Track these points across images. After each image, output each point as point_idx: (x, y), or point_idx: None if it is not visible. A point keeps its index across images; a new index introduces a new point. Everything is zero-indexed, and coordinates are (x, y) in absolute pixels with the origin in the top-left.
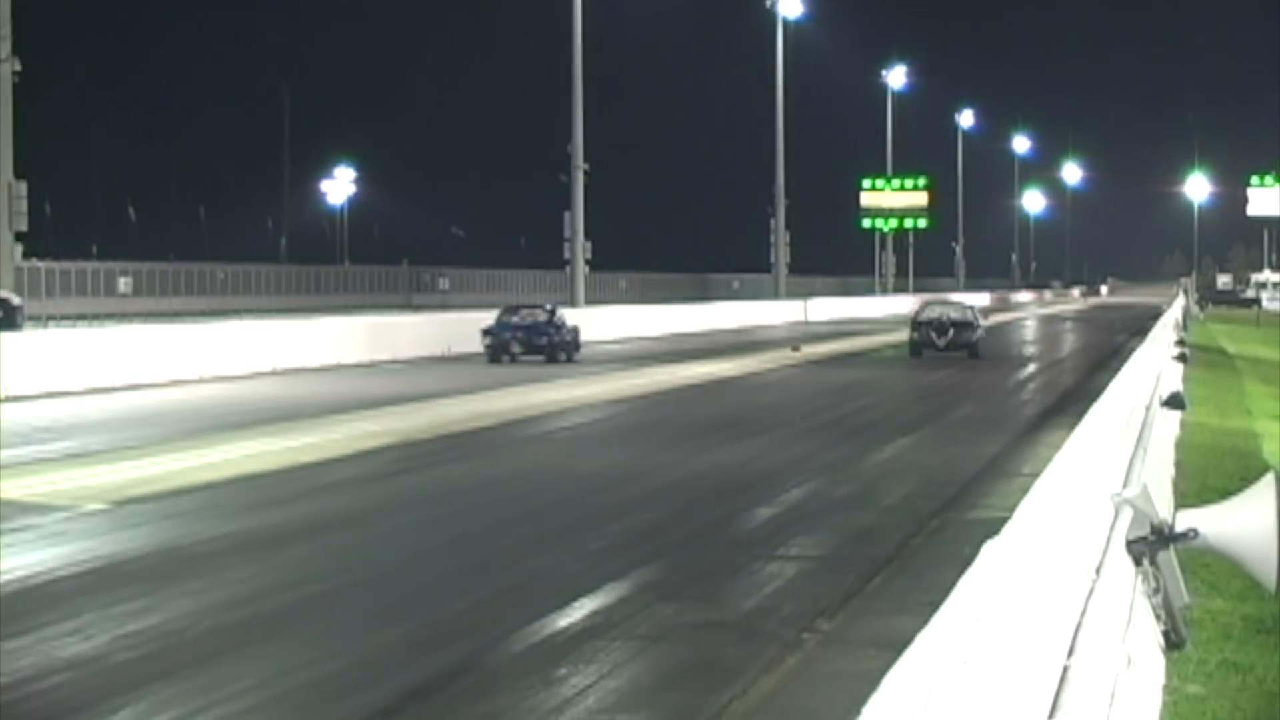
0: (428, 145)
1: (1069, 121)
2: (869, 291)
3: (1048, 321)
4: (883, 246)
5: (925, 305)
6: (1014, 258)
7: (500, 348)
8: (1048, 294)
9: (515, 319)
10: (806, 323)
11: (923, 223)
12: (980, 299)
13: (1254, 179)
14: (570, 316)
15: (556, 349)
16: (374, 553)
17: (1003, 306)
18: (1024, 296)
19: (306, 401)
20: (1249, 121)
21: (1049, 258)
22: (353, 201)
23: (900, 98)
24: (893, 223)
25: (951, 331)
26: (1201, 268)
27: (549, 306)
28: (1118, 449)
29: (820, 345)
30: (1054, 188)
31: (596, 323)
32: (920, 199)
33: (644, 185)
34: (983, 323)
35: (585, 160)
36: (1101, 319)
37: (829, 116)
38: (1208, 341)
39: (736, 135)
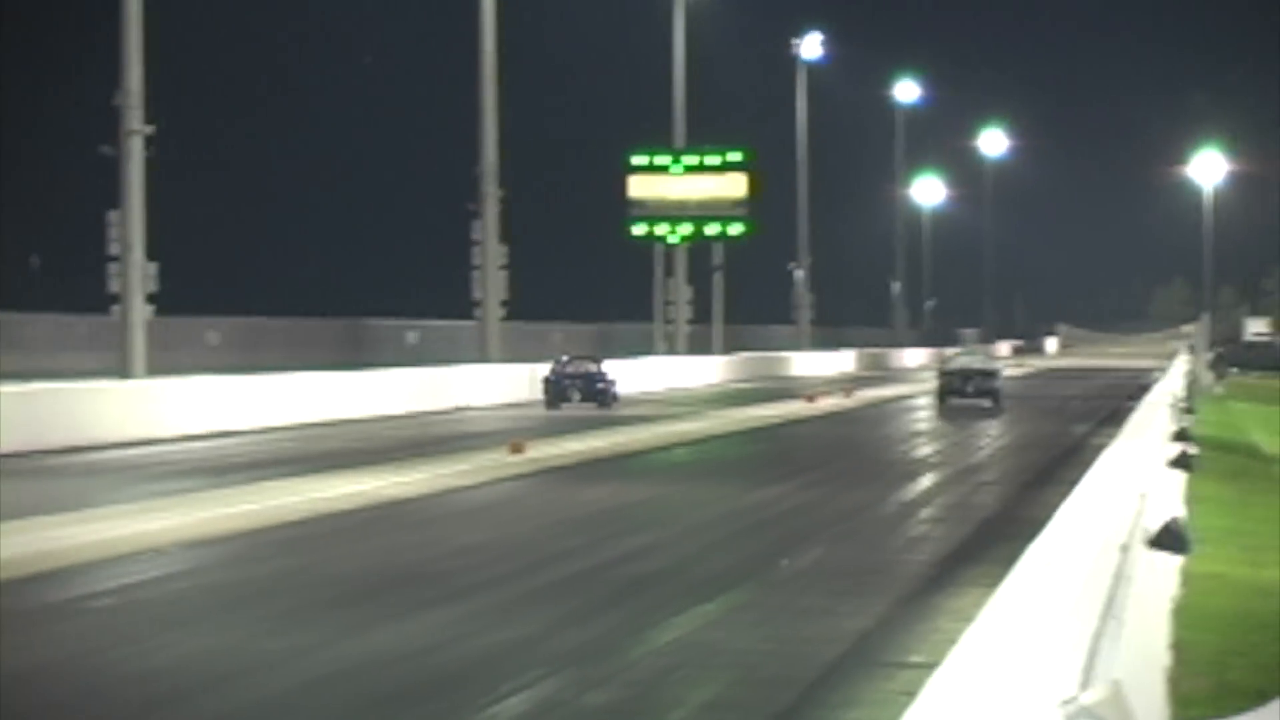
0: None
1: (994, 67)
2: (646, 348)
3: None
4: (669, 270)
5: (951, 357)
6: (895, 289)
7: (560, 394)
8: (954, 353)
9: (570, 369)
10: (536, 402)
11: (738, 229)
12: (839, 361)
13: None
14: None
15: (606, 396)
16: None
17: (876, 375)
18: (913, 357)
19: None
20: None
21: (957, 289)
22: None
23: (701, 21)
24: (685, 229)
25: (977, 381)
26: (1219, 306)
27: (598, 359)
28: (1072, 621)
29: (563, 442)
30: (967, 169)
31: (168, 405)
32: (733, 186)
33: (255, 171)
34: (1005, 371)
35: (148, 119)
36: (1048, 395)
37: (594, 65)
38: (1230, 433)
39: (435, 99)
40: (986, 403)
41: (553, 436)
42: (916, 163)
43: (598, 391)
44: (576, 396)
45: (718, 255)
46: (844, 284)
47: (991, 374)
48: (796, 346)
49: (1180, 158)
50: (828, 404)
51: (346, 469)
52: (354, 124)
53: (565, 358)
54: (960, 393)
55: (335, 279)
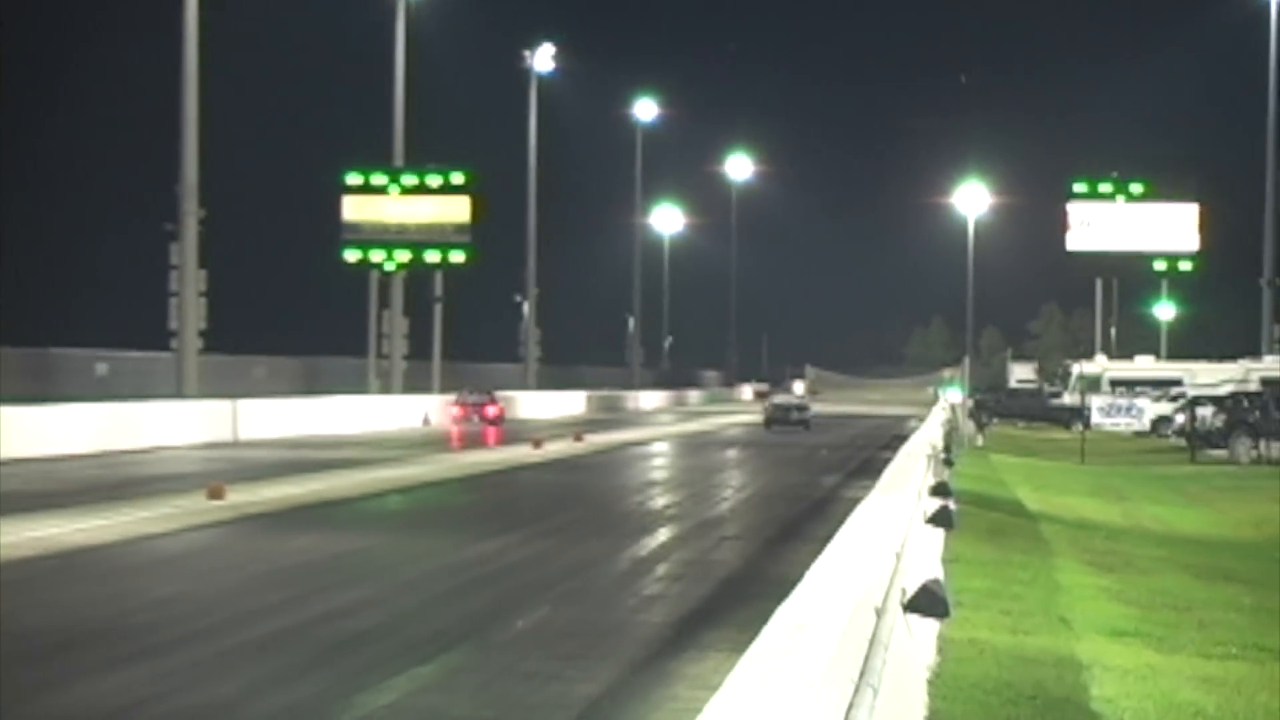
0: None
1: (739, 90)
2: (359, 385)
3: (695, 448)
4: (385, 301)
5: (774, 394)
6: (631, 325)
7: (466, 416)
8: (694, 396)
9: (471, 400)
10: (237, 442)
11: (460, 256)
12: (569, 402)
13: (1077, 186)
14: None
15: (499, 419)
16: None
17: (609, 418)
18: (649, 400)
19: None
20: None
21: (698, 327)
22: None
23: (428, 32)
24: (403, 255)
25: (795, 413)
26: (981, 351)
27: (491, 391)
28: (824, 689)
29: (267, 486)
30: (711, 196)
31: None
32: (455, 209)
33: None
34: (812, 405)
35: None
36: (795, 444)
37: (311, 75)
38: (992, 489)
39: (132, 107)
40: (801, 428)
41: (256, 480)
42: (657, 188)
43: (492, 417)
44: (476, 419)
45: (439, 285)
46: (576, 319)
47: (804, 408)
48: (523, 386)
49: (942, 190)
50: (556, 449)
51: (26, 512)
52: (41, 134)
53: (467, 390)
54: (784, 421)
55: (17, 303)
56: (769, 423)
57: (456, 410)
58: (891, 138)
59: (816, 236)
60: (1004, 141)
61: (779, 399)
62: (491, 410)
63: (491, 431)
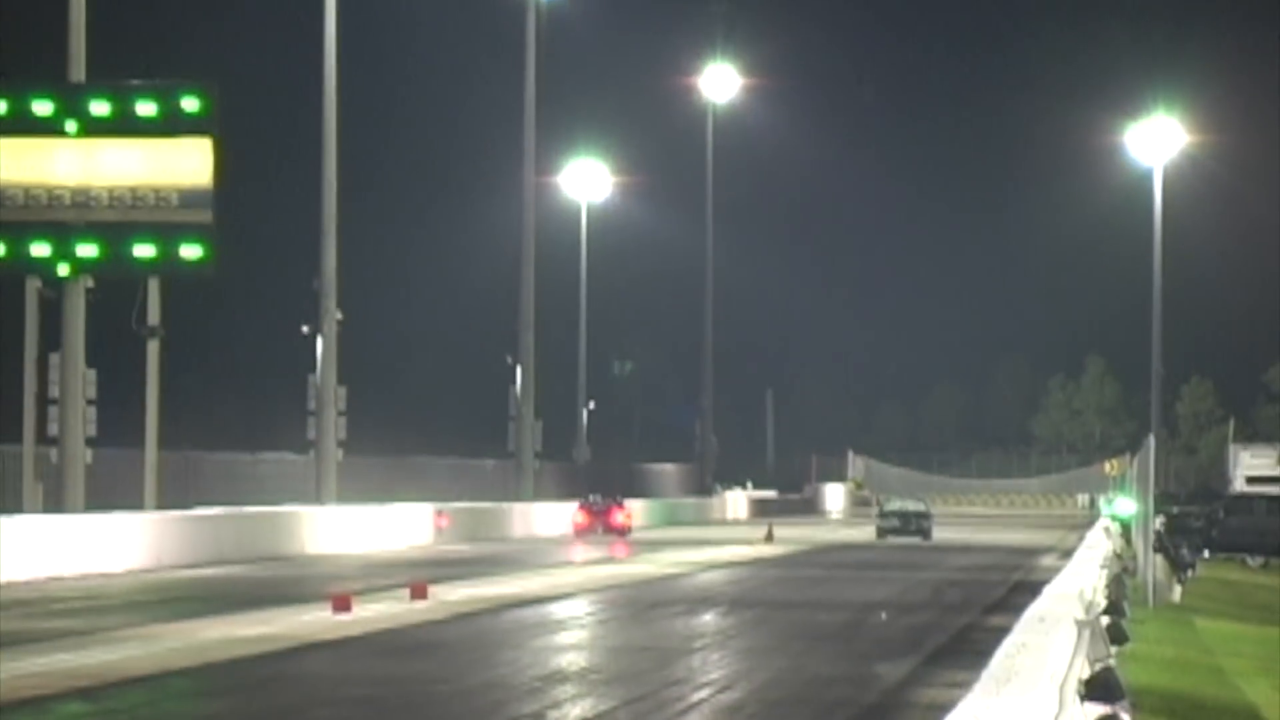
0: None
1: None
2: (9, 497)
3: (640, 612)
4: (54, 341)
5: (886, 500)
6: (519, 379)
7: (591, 526)
8: (887, 498)
9: (598, 504)
10: None
11: (194, 250)
12: (403, 524)
13: None
14: None
15: (625, 530)
16: None
17: (479, 553)
18: (551, 517)
19: None
20: None
21: (646, 382)
22: None
23: None
24: (88, 250)
25: (914, 521)
26: (1178, 425)
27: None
28: None
29: None
30: (672, 134)
31: None
32: (182, 163)
33: None
34: (934, 512)
35: None
36: (831, 601)
37: None
38: (1202, 684)
39: None
40: (919, 538)
41: None
42: (569, 125)
43: (619, 525)
44: (600, 528)
45: (155, 306)
46: (416, 370)
47: (925, 515)
48: (313, 497)
49: (1100, 127)
50: (375, 613)
51: None
52: None
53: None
54: (900, 531)
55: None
56: (881, 533)
57: (581, 517)
58: (1002, 31)
59: (858, 211)
60: (1209, 48)
61: (892, 505)
62: (619, 517)
63: (620, 546)
